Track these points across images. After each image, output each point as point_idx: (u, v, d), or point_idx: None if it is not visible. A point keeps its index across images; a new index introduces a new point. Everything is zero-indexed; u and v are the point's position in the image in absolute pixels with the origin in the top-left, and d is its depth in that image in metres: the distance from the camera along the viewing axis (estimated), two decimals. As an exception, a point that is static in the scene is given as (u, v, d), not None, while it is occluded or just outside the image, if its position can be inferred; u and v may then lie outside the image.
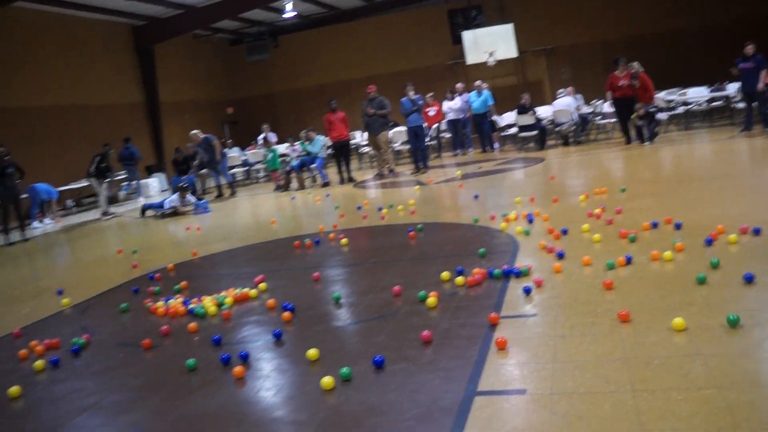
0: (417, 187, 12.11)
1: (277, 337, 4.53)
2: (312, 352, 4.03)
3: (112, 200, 17.02)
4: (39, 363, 4.67)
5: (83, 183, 18.63)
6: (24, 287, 8.06)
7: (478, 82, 17.54)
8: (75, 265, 9.70)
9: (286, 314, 4.97)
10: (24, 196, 16.32)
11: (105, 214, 15.39)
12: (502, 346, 3.78)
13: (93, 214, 16.47)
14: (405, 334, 4.30)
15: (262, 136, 19.32)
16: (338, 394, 3.52)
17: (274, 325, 4.90)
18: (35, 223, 15.70)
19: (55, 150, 18.61)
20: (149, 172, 21.81)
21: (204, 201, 14.64)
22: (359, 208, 10.14)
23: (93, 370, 4.50)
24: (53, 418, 3.78)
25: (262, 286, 6.01)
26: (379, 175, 15.13)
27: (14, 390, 4.19)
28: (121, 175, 19.39)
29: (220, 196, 16.11)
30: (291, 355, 4.27)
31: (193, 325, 5.08)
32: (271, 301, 5.41)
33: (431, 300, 4.79)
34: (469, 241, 6.88)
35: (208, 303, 5.58)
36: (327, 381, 3.57)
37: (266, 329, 4.85)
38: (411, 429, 3.04)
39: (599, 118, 16.63)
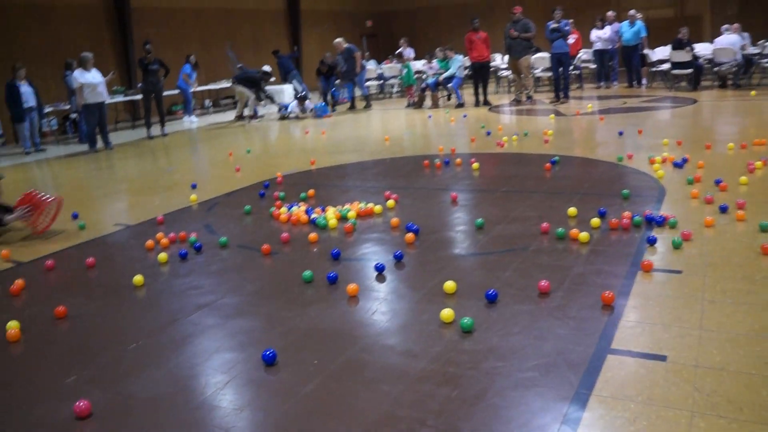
0: (552, 116, 11.44)
1: (398, 259, 4.29)
2: (450, 285, 3.70)
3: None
4: (163, 255, 4.70)
5: (222, 84, 19.12)
6: (158, 179, 8.27)
7: (632, 12, 16.18)
8: (207, 162, 9.88)
9: (410, 236, 4.72)
10: (175, 92, 17.01)
11: (253, 117, 15.68)
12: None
13: (228, 116, 16.85)
14: (534, 272, 3.95)
15: (399, 50, 18.89)
16: (457, 328, 3.25)
17: (395, 245, 4.67)
18: (186, 118, 16.59)
19: (197, 51, 18.96)
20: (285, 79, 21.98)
21: (322, 104, 14.78)
22: (489, 133, 9.66)
23: (212, 270, 4.47)
24: (170, 311, 3.76)
25: (390, 203, 5.78)
26: (516, 101, 14.45)
27: (138, 279, 4.22)
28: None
29: (353, 107, 16.01)
30: (410, 279, 4.02)
31: (313, 235, 4.94)
32: (395, 220, 5.17)
33: (584, 235, 4.41)
34: (610, 180, 6.33)
35: (331, 215, 5.43)
36: (447, 314, 3.30)
37: (387, 249, 4.63)
38: (533, 381, 2.72)
39: (766, 60, 15.02)
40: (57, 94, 15.61)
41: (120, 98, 16.53)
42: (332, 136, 11.39)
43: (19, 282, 4.34)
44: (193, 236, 5.11)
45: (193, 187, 7.31)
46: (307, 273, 4.05)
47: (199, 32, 20.06)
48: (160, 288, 4.19)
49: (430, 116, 13.27)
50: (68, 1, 17.02)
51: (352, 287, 3.76)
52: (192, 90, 16.90)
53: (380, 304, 3.65)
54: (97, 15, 17.76)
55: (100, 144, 12.60)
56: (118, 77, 17.22)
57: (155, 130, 13.98)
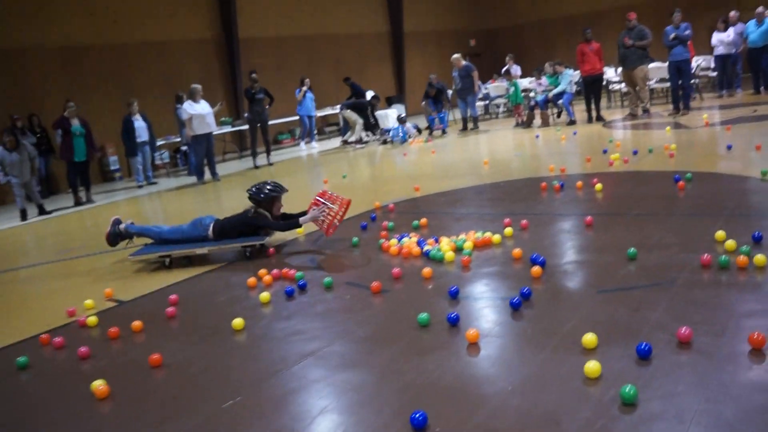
0: (668, 128, 10.56)
1: (525, 297, 3.75)
2: (590, 339, 3.02)
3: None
4: (265, 295, 4.36)
5: (327, 111, 19.13)
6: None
7: (760, 9, 14.82)
8: (312, 191, 9.63)
9: (536, 269, 4.17)
10: (281, 120, 17.18)
11: (359, 142, 15.54)
12: None
13: (333, 143, 16.75)
14: (689, 312, 3.32)
15: (506, 67, 18.31)
16: (605, 385, 2.69)
17: (519, 280, 4.13)
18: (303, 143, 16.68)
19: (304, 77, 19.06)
20: (389, 103, 21.79)
21: (401, 129, 14.45)
22: (605, 151, 8.91)
23: (317, 311, 4.08)
24: (271, 361, 3.39)
25: (508, 231, 5.25)
26: (632, 115, 13.56)
27: (238, 323, 3.89)
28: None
29: (464, 129, 15.53)
30: (541, 322, 3.46)
31: (427, 270, 4.46)
32: (517, 251, 4.63)
33: (760, 258, 3.77)
34: (758, 199, 5.56)
35: (446, 246, 4.95)
36: (592, 367, 2.74)
37: (511, 285, 4.10)
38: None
39: None
40: (168, 127, 15.97)
41: (227, 129, 16.75)
42: (439, 160, 10.96)
43: (113, 330, 4.10)
44: (299, 272, 4.75)
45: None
46: (423, 316, 3.57)
47: (306, 58, 20.21)
48: (262, 332, 3.83)
49: (537, 136, 12.60)
50: (181, 35, 17.49)
51: (472, 333, 3.24)
52: (312, 115, 16.87)
53: (508, 354, 3.13)
54: (207, 48, 18.18)
55: (207, 176, 12.69)
56: (226, 108, 17.51)
57: (261, 159, 13.99)
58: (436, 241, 5.21)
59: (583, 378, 2.76)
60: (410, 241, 5.22)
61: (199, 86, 12.33)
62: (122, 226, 6.15)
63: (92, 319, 4.37)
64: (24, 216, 10.98)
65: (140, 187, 13.39)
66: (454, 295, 3.94)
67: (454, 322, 3.50)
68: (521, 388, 2.78)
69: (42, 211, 11.23)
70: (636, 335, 3.08)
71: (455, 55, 15.55)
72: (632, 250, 4.26)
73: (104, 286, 5.50)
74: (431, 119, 15.67)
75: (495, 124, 16.74)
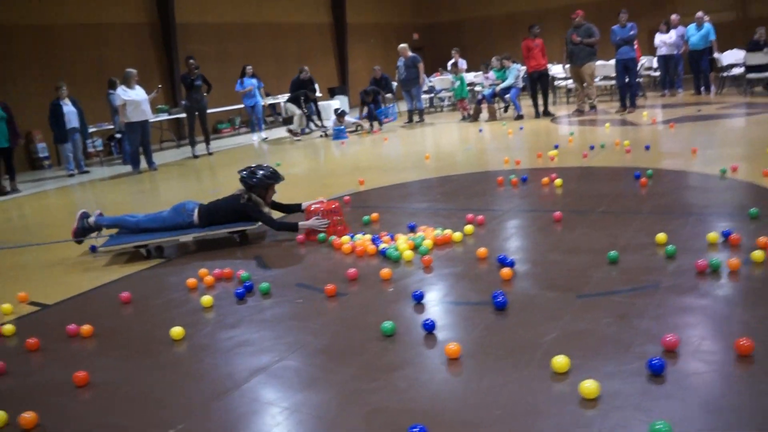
0: (607, 125, 10.50)
1: (500, 307, 3.37)
2: (560, 362, 2.64)
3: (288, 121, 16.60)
4: (207, 299, 3.92)
5: (269, 101, 18.55)
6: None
7: (699, 14, 15.08)
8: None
9: (506, 271, 3.84)
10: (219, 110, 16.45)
11: (295, 134, 15.00)
12: None
13: (277, 133, 16.21)
14: (683, 319, 3.05)
15: (451, 61, 18.04)
16: (606, 408, 2.38)
17: (488, 284, 3.80)
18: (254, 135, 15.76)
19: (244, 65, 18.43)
20: (332, 94, 21.33)
21: (341, 128, 14.09)
22: (556, 146, 8.72)
23: (266, 317, 3.66)
24: (219, 378, 2.95)
25: (468, 229, 4.92)
26: (578, 111, 13.50)
27: (177, 332, 3.44)
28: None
29: (410, 121, 15.24)
30: (520, 331, 3.13)
31: (386, 271, 4.09)
32: (482, 250, 4.30)
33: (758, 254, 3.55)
34: (722, 197, 5.40)
35: (403, 244, 4.58)
36: (590, 387, 2.43)
37: (480, 288, 3.76)
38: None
39: None
40: (101, 114, 15.18)
41: (164, 117, 16.03)
42: (384, 153, 10.61)
43: (32, 341, 3.60)
44: (244, 272, 4.31)
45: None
46: (388, 325, 3.19)
47: (245, 47, 19.57)
48: (204, 343, 3.38)
49: (481, 129, 12.39)
50: (113, 19, 16.65)
51: (452, 348, 2.87)
52: (262, 103, 16.07)
53: (488, 370, 2.78)
54: (142, 32, 17.37)
55: (143, 164, 12.04)
56: (162, 95, 16.78)
57: (201, 148, 13.39)
58: (392, 238, 4.85)
59: (579, 399, 2.43)
60: (364, 239, 4.84)
61: (134, 71, 11.65)
62: (91, 219, 5.64)
63: (8, 328, 3.84)
64: (-61, 208, 10.15)
65: (71, 176, 12.62)
66: (419, 299, 3.58)
67: (430, 329, 3.15)
68: (511, 411, 2.43)
69: (-40, 201, 10.43)
70: (628, 347, 2.78)
71: (402, 45, 15.21)
72: (613, 253, 3.96)
73: (22, 287, 4.96)
74: (379, 112, 15.31)
75: (440, 117, 16.52)
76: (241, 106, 18.08)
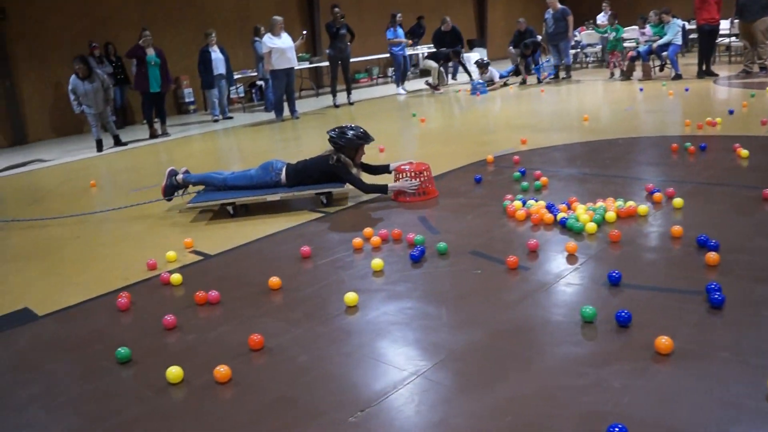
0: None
1: (717, 304, 2.83)
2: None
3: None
4: (377, 262, 3.66)
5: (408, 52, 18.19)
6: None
7: None
8: (402, 135, 8.89)
9: (712, 256, 3.35)
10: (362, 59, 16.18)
11: (435, 87, 14.62)
12: None
13: (414, 85, 15.86)
14: None
15: (610, 13, 16.94)
16: None
17: (692, 269, 3.31)
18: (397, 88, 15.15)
19: (382, 18, 18.12)
20: (471, 47, 20.71)
21: (480, 81, 13.45)
22: (731, 112, 7.88)
23: (444, 288, 3.36)
24: (397, 358, 2.70)
25: (677, 202, 4.39)
26: (745, 72, 12.30)
27: (351, 297, 3.19)
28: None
29: (555, 77, 14.52)
30: (745, 332, 2.67)
31: (572, 245, 3.69)
32: (676, 228, 3.80)
33: None
34: None
35: (583, 214, 4.16)
36: None
37: (684, 274, 3.28)
38: None
39: None
40: (245, 61, 15.38)
41: (305, 65, 16.04)
42: (534, 110, 10.06)
43: (200, 294, 3.49)
44: (418, 236, 4.04)
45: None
46: (588, 310, 2.81)
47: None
48: (379, 313, 3.13)
49: (641, 89, 11.50)
50: (258, -34, 16.75)
51: (664, 343, 2.48)
52: (405, 54, 15.28)
53: (709, 376, 2.36)
54: (285, -21, 17.42)
55: (286, 112, 12.06)
56: (303, 43, 16.80)
57: (341, 98, 13.27)
58: (568, 207, 4.43)
59: None
60: (538, 205, 4.45)
61: (279, 18, 11.57)
62: (179, 177, 5.65)
63: (176, 277, 3.77)
64: (100, 147, 10.60)
65: (216, 121, 12.89)
66: (616, 281, 3.18)
67: (625, 323, 2.75)
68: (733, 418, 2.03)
69: (117, 142, 10.84)
70: None
71: (550, -3, 14.34)
72: None
73: (183, 233, 4.94)
74: (536, 69, 14.64)
75: (585, 74, 15.64)
76: (379, 56, 17.87)
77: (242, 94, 15.71)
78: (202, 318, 3.27)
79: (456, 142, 7.76)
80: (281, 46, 11.33)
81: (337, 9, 13.05)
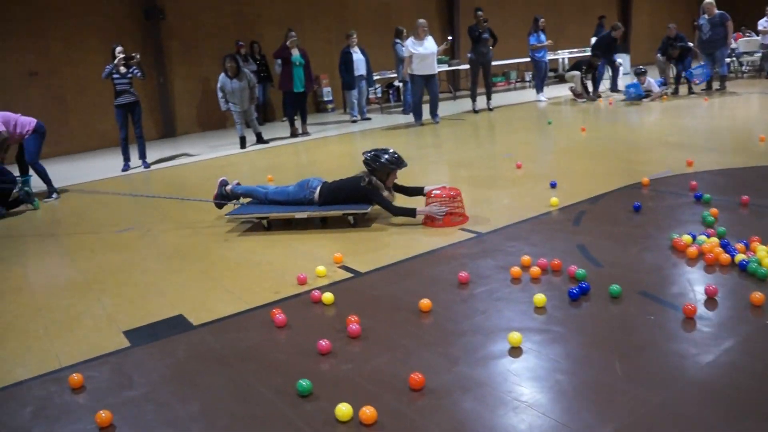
0: None
1: None
2: None
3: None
4: (540, 297, 3.41)
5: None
6: (497, 168, 7.14)
7: None
8: (548, 149, 8.54)
9: None
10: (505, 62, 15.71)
11: (578, 95, 13.93)
12: None
13: (553, 91, 15.34)
14: None
15: (763, 20, 15.74)
16: None
17: None
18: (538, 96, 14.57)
19: (521, 21, 17.68)
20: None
21: (634, 83, 12.62)
22: None
23: (615, 336, 3.09)
24: (583, 418, 2.48)
25: None
26: None
27: (515, 338, 2.96)
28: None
29: (708, 88, 13.58)
30: None
31: (757, 296, 3.28)
32: None
33: None
34: None
35: (767, 259, 3.73)
36: None
37: None
38: None
39: None
40: (384, 62, 15.43)
41: (444, 68, 15.89)
42: (690, 126, 9.39)
43: (353, 318, 3.39)
44: (579, 269, 3.76)
45: (553, 186, 6.01)
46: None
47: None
48: (536, 356, 2.91)
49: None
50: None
51: None
52: (546, 59, 14.66)
53: None
54: (427, -20, 17.36)
55: (426, 116, 11.96)
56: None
57: (481, 103, 13.02)
58: (747, 247, 4.01)
59: None
60: (711, 243, 4.06)
61: (424, 21, 11.44)
62: (229, 188, 5.95)
63: (328, 296, 3.70)
64: (243, 144, 10.90)
65: (354, 122, 12.99)
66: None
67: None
68: None
69: (260, 140, 11.11)
70: None
71: (708, 0, 13.37)
72: None
73: (330, 244, 4.89)
74: (688, 74, 13.63)
75: (741, 85, 14.54)
76: (518, 60, 17.45)
77: (379, 95, 15.79)
78: (357, 345, 3.16)
79: (603, 158, 7.33)
80: (423, 52, 11.18)
81: (480, 12, 12.81)
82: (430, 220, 5.12)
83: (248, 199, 5.94)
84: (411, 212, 5.16)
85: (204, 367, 3.08)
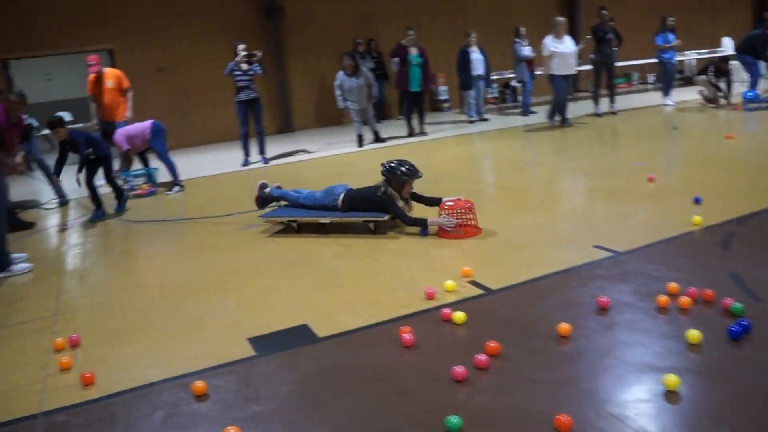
0: None
1: None
2: None
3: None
4: (694, 334, 3.08)
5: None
6: (630, 179, 6.74)
7: None
8: (682, 158, 8.03)
9: None
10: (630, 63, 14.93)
11: (709, 100, 12.97)
12: None
13: (681, 94, 14.50)
14: None
15: None
16: None
17: None
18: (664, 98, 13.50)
19: (646, 19, 16.81)
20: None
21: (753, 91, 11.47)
22: None
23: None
24: None
25: None
26: None
27: (671, 381, 2.68)
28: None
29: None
30: None
31: None
32: None
33: None
34: None
35: None
36: None
37: None
38: None
39: None
40: (501, 61, 15.09)
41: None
42: None
43: (493, 345, 3.19)
44: (736, 303, 3.38)
45: (697, 202, 5.54)
46: None
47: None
48: (694, 405, 2.62)
49: None
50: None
51: None
52: (675, 61, 13.63)
53: None
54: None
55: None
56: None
57: (604, 105, 12.46)
58: None
59: None
60: None
61: (563, 19, 10.88)
62: (267, 190, 6.28)
63: (459, 316, 3.51)
64: (360, 142, 10.90)
65: (471, 122, 12.74)
66: None
67: None
68: None
69: (377, 138, 11.08)
70: None
71: None
72: None
73: (456, 255, 4.71)
74: None
75: None
76: (642, 61, 16.66)
77: (495, 94, 15.46)
78: (493, 373, 2.96)
79: (747, 171, 6.67)
80: (564, 51, 10.70)
81: (605, 11, 12.23)
82: (443, 231, 5.22)
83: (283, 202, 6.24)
84: (422, 222, 5.32)
85: (333, 385, 2.98)
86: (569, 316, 3.46)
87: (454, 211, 5.23)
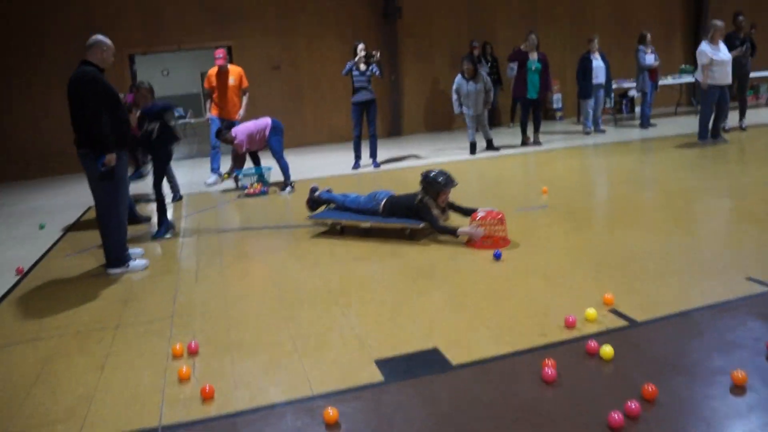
0: None
1: None
2: None
3: None
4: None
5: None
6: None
7: None
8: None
9: None
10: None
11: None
12: None
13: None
14: None
15: None
16: None
17: None
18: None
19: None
20: None
21: None
22: None
23: None
24: None
25: None
26: None
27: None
28: None
29: None
30: None
31: None
32: None
33: None
34: None
35: None
36: None
37: None
38: None
39: None
40: (620, 70, 14.48)
41: (683, 79, 14.60)
42: None
43: (651, 389, 2.87)
44: None
45: None
46: None
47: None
48: None
49: None
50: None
51: None
52: None
53: None
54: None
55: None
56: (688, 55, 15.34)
57: (731, 120, 11.66)
58: None
59: None
60: None
61: (721, 23, 9.94)
62: (317, 193, 6.50)
63: (607, 351, 3.20)
64: (473, 149, 10.63)
65: (587, 133, 12.23)
66: None
67: None
68: None
69: (490, 146, 10.79)
70: None
71: None
72: None
73: (595, 277, 4.40)
74: None
75: None
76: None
77: (612, 105, 14.83)
78: (652, 422, 2.65)
79: None
80: (723, 59, 9.88)
81: (741, 17, 11.42)
82: (472, 241, 5.37)
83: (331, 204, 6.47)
84: (453, 231, 5.48)
85: (473, 423, 2.75)
86: (735, 360, 3.10)
87: (485, 222, 5.37)
